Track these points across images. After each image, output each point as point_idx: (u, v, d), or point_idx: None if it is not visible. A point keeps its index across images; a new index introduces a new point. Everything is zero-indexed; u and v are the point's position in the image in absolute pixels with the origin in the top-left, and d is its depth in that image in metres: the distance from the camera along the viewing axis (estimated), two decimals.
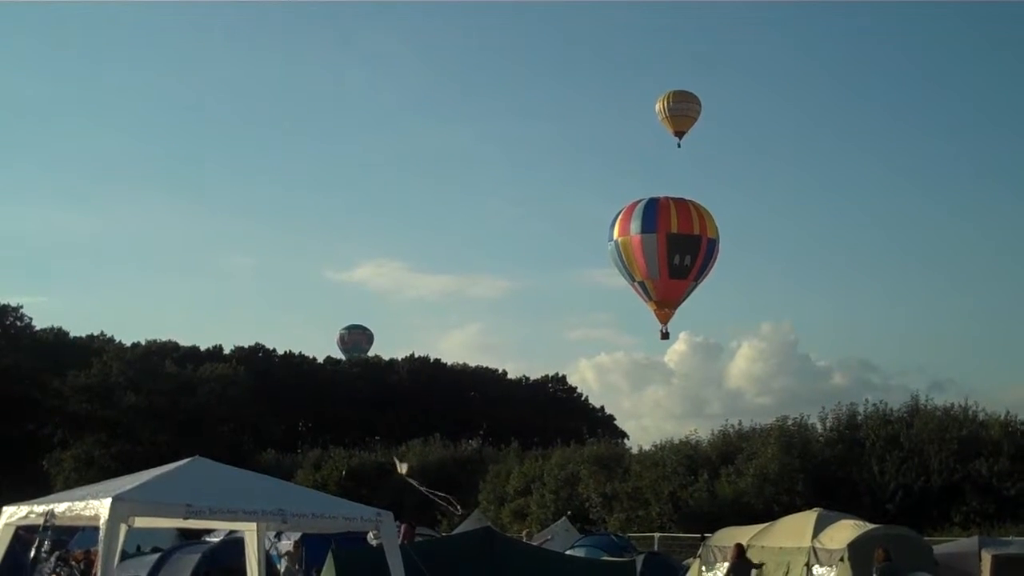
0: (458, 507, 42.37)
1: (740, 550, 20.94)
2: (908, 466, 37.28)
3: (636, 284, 42.63)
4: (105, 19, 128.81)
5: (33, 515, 12.63)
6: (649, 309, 43.12)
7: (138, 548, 24.86)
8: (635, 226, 41.65)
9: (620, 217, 42.55)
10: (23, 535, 13.80)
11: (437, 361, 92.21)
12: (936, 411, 39.85)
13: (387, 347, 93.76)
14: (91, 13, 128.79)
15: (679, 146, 45.41)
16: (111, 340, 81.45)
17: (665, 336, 44.06)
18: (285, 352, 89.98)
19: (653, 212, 41.67)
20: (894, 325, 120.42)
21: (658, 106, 45.07)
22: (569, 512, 41.82)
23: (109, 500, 11.22)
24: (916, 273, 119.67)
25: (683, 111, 44.65)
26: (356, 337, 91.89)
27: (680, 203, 42.10)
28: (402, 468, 44.65)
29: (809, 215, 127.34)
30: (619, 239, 42.22)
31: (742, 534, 22.58)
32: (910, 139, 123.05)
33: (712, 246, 42.14)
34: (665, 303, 42.62)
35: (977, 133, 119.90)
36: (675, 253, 41.25)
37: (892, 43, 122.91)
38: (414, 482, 43.39)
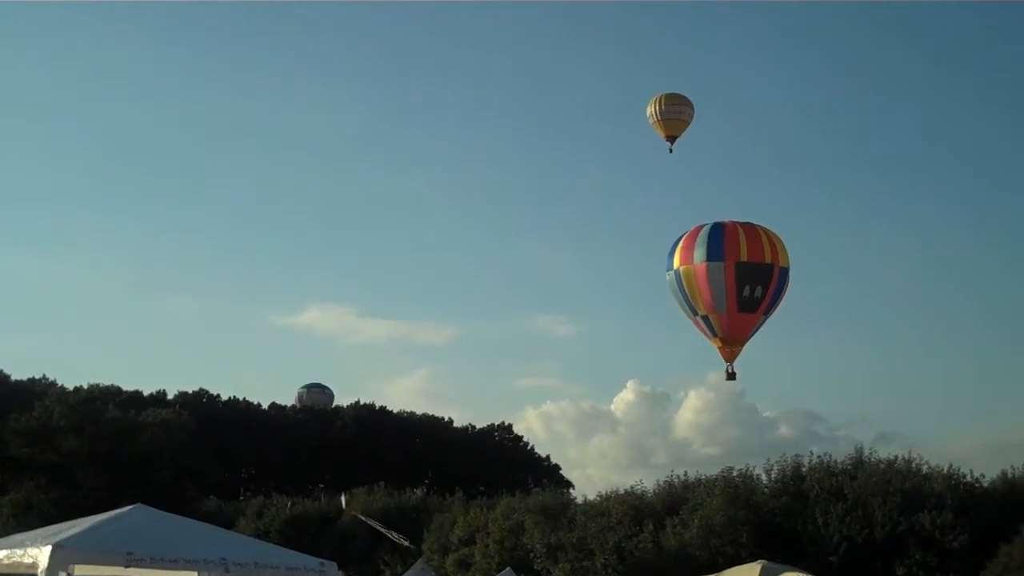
0: (409, 543, 41.95)
1: None
2: (852, 518, 37.34)
3: (699, 319, 38.75)
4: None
5: None
6: (713, 347, 39.26)
7: None
8: (699, 254, 37.82)
9: (681, 243, 38.79)
10: None
11: (383, 408, 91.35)
12: (880, 463, 40.00)
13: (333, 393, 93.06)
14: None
15: (671, 151, 43.31)
16: (53, 384, 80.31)
17: (731, 376, 39.81)
18: (229, 397, 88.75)
19: (719, 238, 37.94)
20: (840, 376, 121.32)
21: (650, 109, 43.20)
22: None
23: (49, 547, 11.07)
24: (864, 324, 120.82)
25: (676, 114, 42.79)
26: (315, 396, 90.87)
27: (749, 228, 38.61)
28: (345, 506, 44.28)
29: None
30: (680, 268, 38.38)
31: None
32: (860, 193, 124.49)
33: (784, 276, 38.62)
34: (732, 340, 38.76)
35: (936, 179, 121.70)
36: (745, 284, 37.58)
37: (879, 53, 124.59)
38: (370, 521, 42.97)
